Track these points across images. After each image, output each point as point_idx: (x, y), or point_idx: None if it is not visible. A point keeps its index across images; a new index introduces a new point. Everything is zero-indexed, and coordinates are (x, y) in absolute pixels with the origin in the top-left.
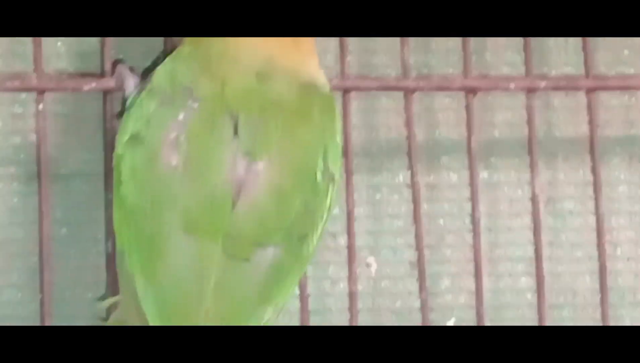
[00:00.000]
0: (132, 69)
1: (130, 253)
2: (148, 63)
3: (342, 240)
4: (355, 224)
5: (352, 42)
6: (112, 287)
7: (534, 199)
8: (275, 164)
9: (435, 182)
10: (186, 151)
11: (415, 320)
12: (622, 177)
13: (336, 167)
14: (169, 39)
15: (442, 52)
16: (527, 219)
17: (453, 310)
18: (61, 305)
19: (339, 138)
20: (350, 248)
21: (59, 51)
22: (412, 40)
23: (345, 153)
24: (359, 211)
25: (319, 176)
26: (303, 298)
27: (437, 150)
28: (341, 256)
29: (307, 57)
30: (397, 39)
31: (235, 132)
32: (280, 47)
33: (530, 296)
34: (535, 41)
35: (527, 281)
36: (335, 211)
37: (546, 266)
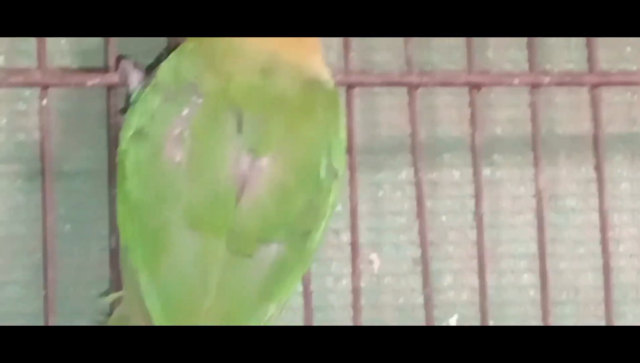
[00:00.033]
0: (136, 65)
1: (134, 248)
2: (151, 59)
3: (345, 237)
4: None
5: (355, 39)
6: (116, 283)
7: (538, 196)
8: (279, 160)
9: (437, 179)
10: (190, 147)
11: (418, 317)
12: (624, 174)
13: (340, 163)
14: None
15: (444, 50)
16: (530, 216)
17: (455, 307)
18: (65, 302)
19: (342, 134)
20: (354, 244)
21: (63, 48)
22: (414, 38)
23: (349, 149)
24: (361, 208)
25: (322, 172)
26: (307, 294)
27: (439, 147)
28: (344, 252)
29: (311, 53)
30: None
31: (239, 128)
32: (285, 43)
33: (533, 293)
34: (537, 38)
35: (529, 278)
36: (338, 207)
37: (549, 263)
